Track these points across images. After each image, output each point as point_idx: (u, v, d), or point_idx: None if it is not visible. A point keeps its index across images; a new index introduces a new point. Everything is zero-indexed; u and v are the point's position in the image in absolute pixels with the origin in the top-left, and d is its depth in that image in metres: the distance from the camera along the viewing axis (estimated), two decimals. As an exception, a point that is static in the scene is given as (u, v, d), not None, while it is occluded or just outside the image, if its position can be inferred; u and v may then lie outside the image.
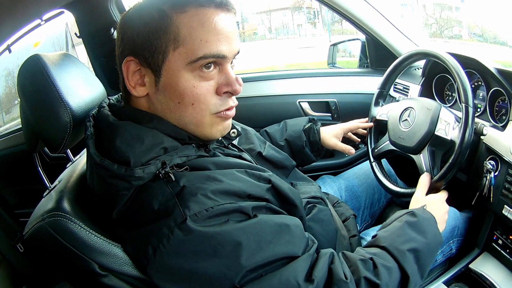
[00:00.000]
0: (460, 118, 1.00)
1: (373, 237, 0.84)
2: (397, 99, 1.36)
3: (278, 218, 0.71)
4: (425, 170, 1.05)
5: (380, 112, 1.28)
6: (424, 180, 1.02)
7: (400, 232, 0.81)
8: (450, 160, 0.98)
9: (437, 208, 0.94)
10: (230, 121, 0.79)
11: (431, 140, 1.06)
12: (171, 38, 0.68)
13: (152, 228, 0.64)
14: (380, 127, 1.29)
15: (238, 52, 0.74)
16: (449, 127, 1.04)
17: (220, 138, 0.85)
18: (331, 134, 1.29)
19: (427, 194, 1.00)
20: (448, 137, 1.03)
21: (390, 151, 1.19)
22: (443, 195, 1.00)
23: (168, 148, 0.71)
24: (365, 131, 1.31)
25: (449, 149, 1.03)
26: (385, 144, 1.21)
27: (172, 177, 0.67)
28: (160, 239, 0.63)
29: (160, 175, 0.67)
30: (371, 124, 1.29)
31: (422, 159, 1.07)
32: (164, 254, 0.62)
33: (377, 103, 1.32)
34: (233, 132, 0.89)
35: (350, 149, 1.26)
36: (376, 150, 1.25)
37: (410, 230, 0.81)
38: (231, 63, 0.75)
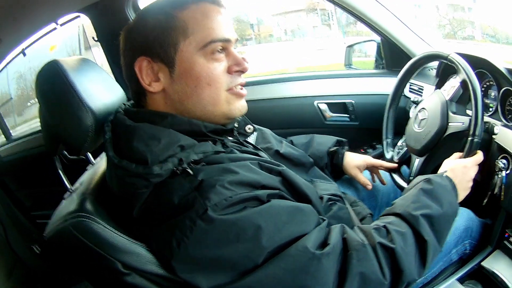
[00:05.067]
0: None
1: (392, 204, 0.87)
2: (412, 99, 1.37)
3: (289, 202, 0.74)
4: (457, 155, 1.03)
5: (394, 153, 1.30)
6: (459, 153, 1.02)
7: (415, 199, 0.83)
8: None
9: (458, 173, 0.94)
10: (244, 101, 0.85)
11: (446, 135, 1.07)
12: (180, 32, 0.75)
13: (174, 222, 0.66)
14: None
15: (236, 39, 0.82)
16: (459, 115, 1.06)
17: (235, 134, 0.89)
18: (354, 164, 1.28)
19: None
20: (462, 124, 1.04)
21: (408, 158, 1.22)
22: (470, 160, 0.98)
23: (185, 146, 0.73)
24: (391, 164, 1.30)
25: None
26: (403, 150, 1.24)
27: (190, 171, 0.69)
28: (183, 231, 0.65)
29: (178, 171, 0.69)
30: (395, 165, 1.28)
31: (442, 148, 1.08)
32: (188, 245, 0.65)
33: (387, 151, 1.33)
34: (249, 128, 0.92)
35: (367, 184, 1.25)
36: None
37: (425, 197, 0.83)
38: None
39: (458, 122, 1.04)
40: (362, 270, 0.69)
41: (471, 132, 0.97)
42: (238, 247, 0.65)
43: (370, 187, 1.25)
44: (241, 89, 0.83)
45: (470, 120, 0.99)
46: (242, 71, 0.82)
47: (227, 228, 0.65)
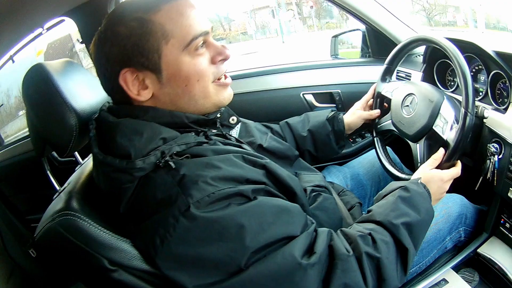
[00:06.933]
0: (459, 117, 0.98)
1: (368, 211, 0.86)
2: None
3: (277, 200, 0.73)
4: (419, 160, 1.06)
5: (385, 88, 1.28)
6: (438, 154, 1.00)
7: (394, 207, 0.82)
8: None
9: (434, 185, 0.94)
10: (230, 89, 0.87)
11: (428, 134, 1.06)
12: (159, 36, 0.74)
13: (158, 218, 0.66)
14: (385, 102, 1.31)
15: (212, 27, 0.82)
16: (447, 126, 1.02)
17: (219, 126, 0.88)
18: (351, 113, 1.31)
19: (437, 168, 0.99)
20: (444, 137, 1.01)
21: (391, 131, 1.22)
22: (447, 174, 0.96)
23: (167, 138, 0.73)
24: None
25: (444, 147, 1.02)
26: (387, 122, 1.24)
27: (172, 165, 0.69)
28: (167, 229, 0.64)
29: (160, 164, 0.69)
30: (371, 91, 1.33)
31: (418, 149, 1.08)
32: (171, 243, 0.64)
33: (383, 79, 1.31)
34: (233, 120, 0.92)
35: (375, 113, 1.29)
36: (378, 126, 1.27)
37: (403, 205, 0.83)
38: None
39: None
40: (346, 281, 0.68)
41: (452, 144, 0.97)
42: (220, 246, 0.64)
43: (378, 112, 1.29)
44: (226, 78, 0.85)
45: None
46: (225, 59, 0.83)
47: (210, 226, 0.64)
